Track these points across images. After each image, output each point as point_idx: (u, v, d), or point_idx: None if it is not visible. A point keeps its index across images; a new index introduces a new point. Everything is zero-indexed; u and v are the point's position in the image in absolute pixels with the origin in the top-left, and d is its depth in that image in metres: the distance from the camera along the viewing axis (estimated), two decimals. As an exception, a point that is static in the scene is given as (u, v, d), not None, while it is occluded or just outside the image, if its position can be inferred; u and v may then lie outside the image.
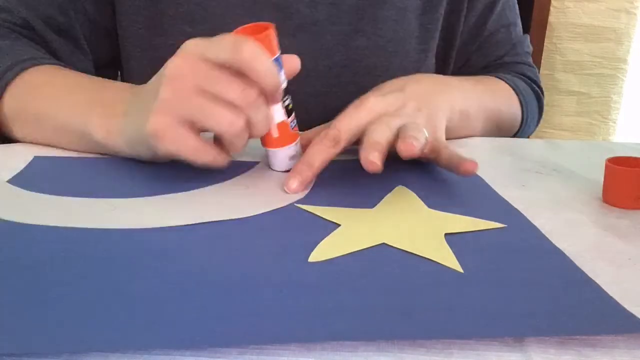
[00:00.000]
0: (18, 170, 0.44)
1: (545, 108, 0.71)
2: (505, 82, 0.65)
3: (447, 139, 0.48)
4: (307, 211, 0.39)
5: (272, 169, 0.46)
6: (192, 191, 0.41)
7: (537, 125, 0.71)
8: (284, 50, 0.42)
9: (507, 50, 0.69)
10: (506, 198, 0.41)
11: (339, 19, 0.59)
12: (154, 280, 0.30)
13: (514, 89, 0.65)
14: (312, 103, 0.59)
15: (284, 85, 0.42)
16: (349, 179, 0.45)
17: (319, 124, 0.49)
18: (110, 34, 0.60)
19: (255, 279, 0.30)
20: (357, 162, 0.45)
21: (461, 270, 0.31)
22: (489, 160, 0.49)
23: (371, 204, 0.40)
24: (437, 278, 0.31)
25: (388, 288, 0.30)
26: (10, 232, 0.35)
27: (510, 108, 0.63)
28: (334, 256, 0.33)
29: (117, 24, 0.59)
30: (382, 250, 0.34)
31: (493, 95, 0.62)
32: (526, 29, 0.73)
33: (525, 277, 0.31)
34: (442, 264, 0.32)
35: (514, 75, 0.68)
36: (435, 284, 0.30)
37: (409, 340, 0.26)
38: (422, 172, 0.47)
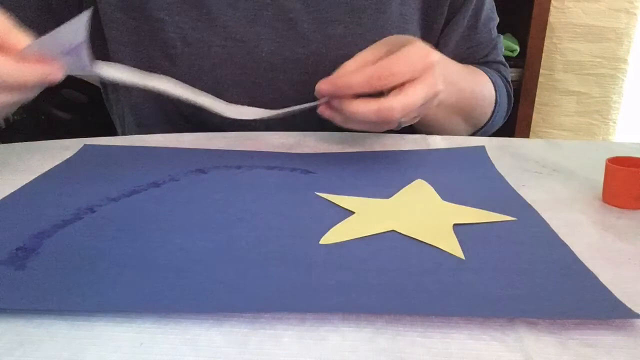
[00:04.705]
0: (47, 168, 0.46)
1: (546, 108, 0.71)
2: (485, 73, 0.66)
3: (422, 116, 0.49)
4: (325, 199, 0.40)
5: None
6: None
7: (503, 120, 0.72)
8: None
9: (490, 50, 0.69)
10: (506, 198, 0.41)
11: (316, 8, 0.59)
12: (176, 252, 0.32)
13: (492, 81, 0.65)
14: (290, 91, 0.59)
15: None
16: (370, 171, 0.46)
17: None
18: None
19: (267, 256, 0.32)
20: (378, 153, 0.46)
21: (462, 257, 0.32)
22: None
23: (388, 195, 0.41)
24: (437, 262, 0.32)
25: (388, 269, 0.31)
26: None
27: (484, 95, 0.64)
28: (344, 240, 0.34)
29: (100, 12, 0.58)
30: (391, 236, 0.35)
31: (473, 79, 0.63)
32: (526, 29, 0.73)
33: (524, 266, 0.32)
34: (445, 251, 0.33)
35: (494, 72, 0.69)
36: (434, 267, 0.31)
37: (409, 340, 0.26)
38: (441, 166, 0.47)
